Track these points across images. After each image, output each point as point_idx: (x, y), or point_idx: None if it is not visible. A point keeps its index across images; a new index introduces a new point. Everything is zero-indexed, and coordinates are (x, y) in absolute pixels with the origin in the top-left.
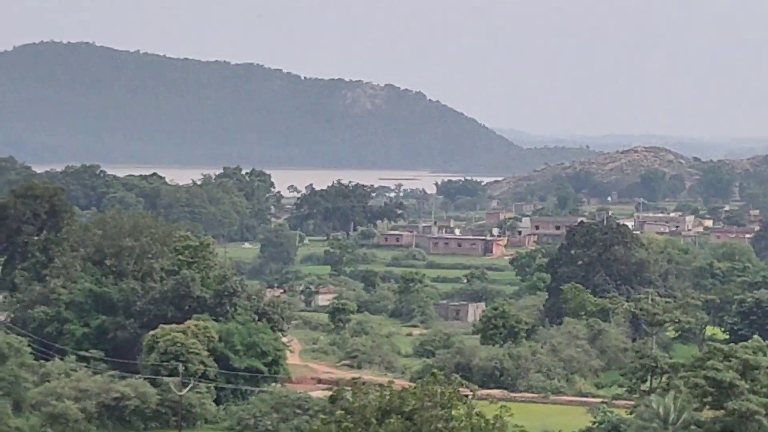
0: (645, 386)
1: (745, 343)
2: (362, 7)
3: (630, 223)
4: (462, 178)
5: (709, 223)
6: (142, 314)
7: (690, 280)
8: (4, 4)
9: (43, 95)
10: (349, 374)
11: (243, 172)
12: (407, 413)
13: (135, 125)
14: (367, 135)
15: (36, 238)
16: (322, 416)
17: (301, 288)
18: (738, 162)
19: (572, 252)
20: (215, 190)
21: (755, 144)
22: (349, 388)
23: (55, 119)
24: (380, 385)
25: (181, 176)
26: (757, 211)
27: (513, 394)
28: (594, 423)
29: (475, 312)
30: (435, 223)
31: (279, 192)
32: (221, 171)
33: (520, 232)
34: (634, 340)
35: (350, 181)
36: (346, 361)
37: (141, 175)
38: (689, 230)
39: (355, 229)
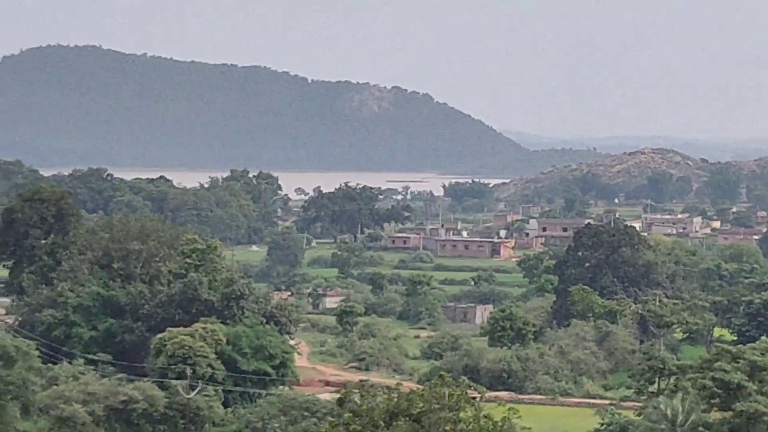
0: (653, 388)
1: (752, 344)
2: (369, 10)
3: (637, 225)
4: (469, 180)
5: (716, 224)
6: (149, 317)
7: (697, 281)
8: (12, 8)
9: (50, 99)
10: (356, 377)
11: (250, 175)
12: (415, 415)
13: (142, 128)
14: (375, 137)
15: (43, 241)
16: (330, 419)
17: (308, 291)
18: (745, 163)
19: (580, 254)
20: (222, 193)
21: (762, 145)
22: (357, 391)
23: (63, 123)
24: (388, 387)
25: (188, 179)
26: (764, 213)
27: (521, 396)
28: (602, 425)
29: (482, 314)
30: (442, 225)
31: (286, 195)
32: (228, 174)
33: (527, 234)
34: (641, 341)
35: (357, 184)
36: (354, 364)
37: (148, 179)
38: (697, 232)
39: (362, 232)
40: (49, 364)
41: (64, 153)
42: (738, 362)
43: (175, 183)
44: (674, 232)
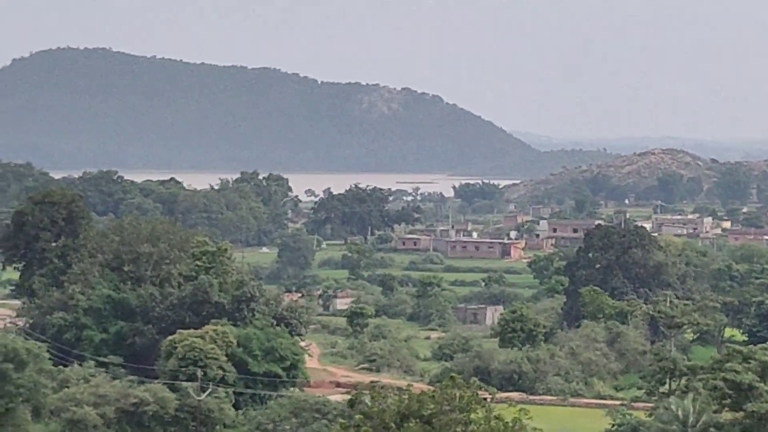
0: (664, 389)
1: (763, 344)
2: (379, 11)
3: (648, 226)
4: (479, 182)
5: (727, 224)
6: (160, 320)
7: (708, 282)
8: (21, 11)
9: (60, 101)
10: (367, 378)
11: (260, 177)
12: (426, 417)
13: (152, 130)
14: (384, 139)
15: (54, 244)
16: (341, 420)
17: (319, 292)
18: (755, 164)
19: (590, 255)
20: (232, 195)
21: None
22: (367, 392)
23: (72, 125)
24: (399, 388)
25: (198, 181)
26: None
27: (532, 397)
28: (613, 426)
29: (493, 315)
30: (452, 226)
31: (296, 196)
32: (238, 176)
33: (537, 235)
34: (652, 342)
35: (367, 185)
36: (365, 365)
37: (158, 181)
38: (707, 232)
39: (372, 233)
40: (60, 367)
41: (74, 155)
42: (749, 363)
43: (185, 185)
44: (685, 232)
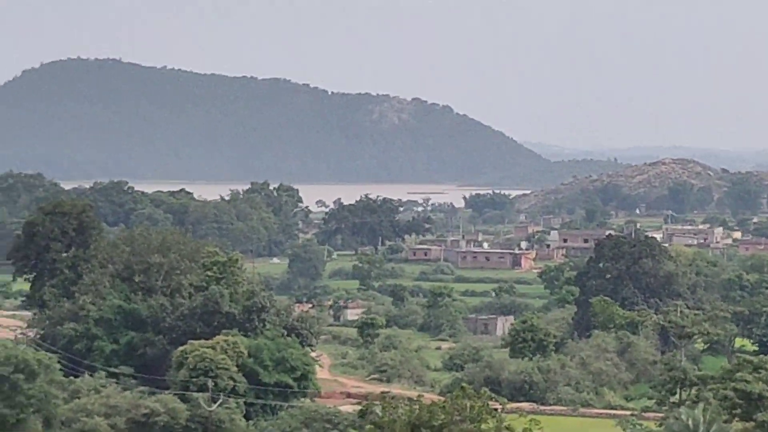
0: (674, 398)
1: None
2: (389, 22)
3: (658, 236)
4: (490, 192)
5: (737, 234)
6: (171, 330)
7: (719, 292)
8: (32, 22)
9: (70, 112)
10: (378, 388)
11: (271, 188)
12: (437, 427)
13: (163, 141)
14: (395, 149)
15: (64, 255)
16: (351, 430)
17: (329, 303)
18: (766, 173)
19: (601, 265)
20: (243, 205)
21: None
22: (378, 403)
23: (83, 136)
24: (409, 399)
25: (209, 192)
26: None
27: (542, 407)
28: None
29: (503, 325)
30: (463, 237)
31: (307, 207)
32: (249, 186)
33: (548, 246)
34: (663, 352)
35: (378, 196)
36: (376, 376)
37: (169, 191)
38: (718, 242)
39: (383, 244)
40: (71, 378)
41: (85, 166)
42: (759, 372)
43: (195, 196)
44: (695, 242)
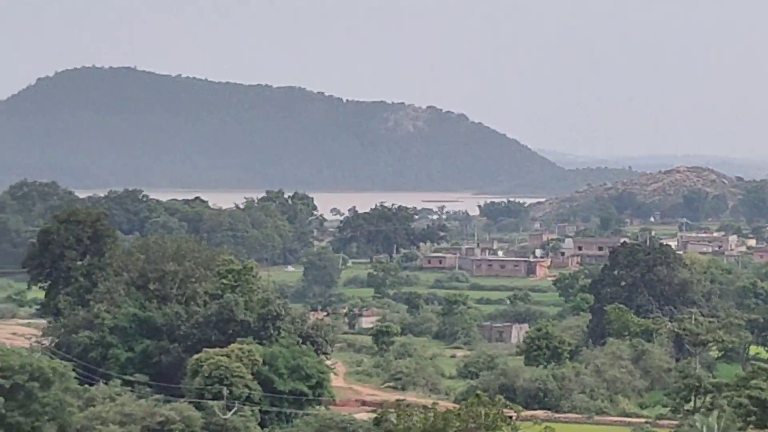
0: (689, 406)
1: None
2: (404, 30)
3: (673, 244)
4: (505, 200)
5: (752, 242)
6: (186, 338)
7: (733, 299)
8: (46, 30)
9: (85, 120)
10: (393, 396)
11: (286, 196)
12: None
13: (177, 149)
14: (410, 157)
15: (79, 263)
16: None
17: (344, 311)
18: None
19: (615, 273)
20: (258, 213)
21: None
22: (393, 411)
23: (98, 144)
24: (424, 407)
25: (223, 200)
26: None
27: (557, 415)
28: None
29: (518, 333)
30: (478, 244)
31: (322, 215)
32: (264, 194)
33: (563, 253)
34: (677, 360)
35: (393, 204)
36: (390, 383)
37: (184, 200)
38: (732, 250)
39: (398, 252)
40: (86, 386)
41: (100, 174)
42: None
43: (210, 204)
44: (710, 250)
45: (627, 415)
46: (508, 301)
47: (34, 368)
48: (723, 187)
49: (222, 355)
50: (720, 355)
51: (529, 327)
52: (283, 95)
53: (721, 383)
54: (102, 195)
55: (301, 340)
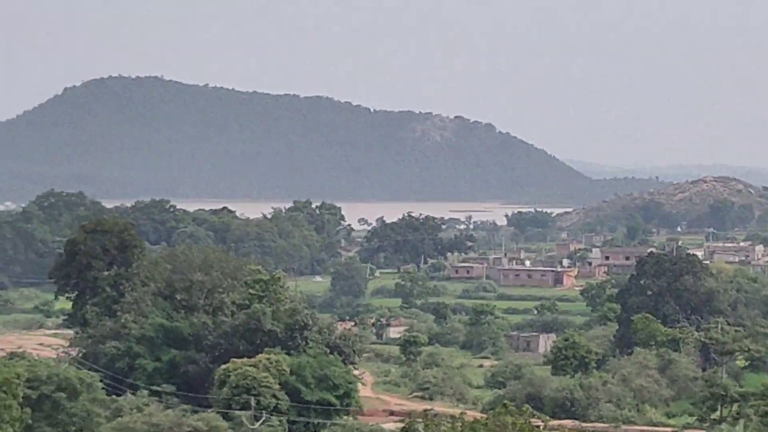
0: (715, 415)
1: None
2: (431, 40)
3: (699, 253)
4: (532, 210)
5: None
6: (213, 348)
7: (759, 308)
8: (73, 39)
9: (111, 130)
10: (420, 406)
11: (313, 206)
12: None
13: (204, 159)
14: (437, 167)
15: (106, 273)
16: None
17: (372, 321)
18: None
19: (642, 282)
20: (285, 223)
21: None
22: (421, 420)
23: (125, 154)
24: (452, 416)
25: (251, 210)
26: None
27: (584, 425)
28: None
29: (545, 343)
30: (505, 254)
31: (349, 225)
32: (291, 204)
33: (590, 263)
34: (704, 369)
35: (420, 214)
36: (418, 393)
37: (211, 210)
38: (759, 259)
39: (425, 262)
40: (113, 396)
41: (127, 185)
42: None
43: (238, 214)
44: (736, 260)
45: (654, 425)
46: (536, 311)
47: (62, 379)
48: (749, 196)
49: (249, 365)
50: (746, 364)
51: (557, 336)
52: (310, 105)
53: (747, 392)
54: (129, 205)
55: (328, 350)
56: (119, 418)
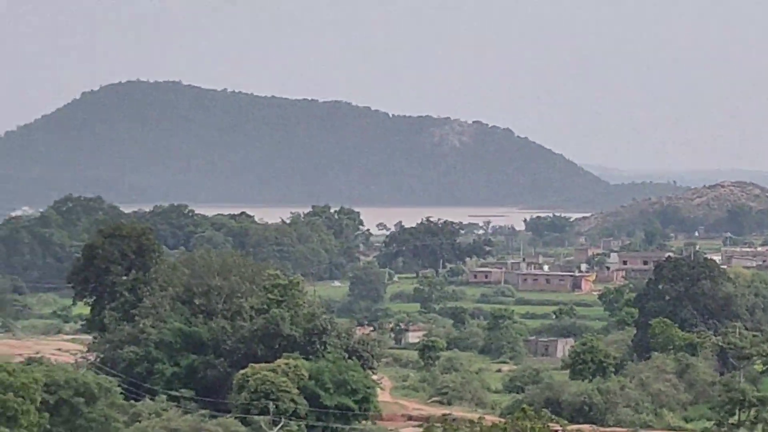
0: (733, 420)
1: None
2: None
3: (717, 258)
4: (550, 215)
5: None
6: (231, 353)
7: None
8: (91, 44)
9: (130, 135)
10: (439, 411)
11: (332, 210)
12: None
13: (223, 164)
14: (456, 172)
15: (124, 278)
16: None
17: (390, 325)
18: None
19: (660, 287)
20: (304, 228)
21: None
22: (439, 425)
23: (143, 159)
24: (470, 421)
25: (269, 215)
26: None
27: (602, 429)
28: None
29: (563, 347)
30: (524, 259)
31: (368, 230)
32: (310, 209)
33: (608, 268)
34: (722, 373)
35: (439, 219)
36: (437, 398)
37: (229, 214)
38: None
39: (444, 266)
40: (132, 401)
41: (145, 189)
42: None
43: (256, 219)
44: (754, 264)
45: (672, 429)
46: (554, 316)
47: (80, 384)
48: (767, 201)
49: (268, 370)
50: (764, 368)
51: (575, 341)
52: (328, 110)
53: (765, 397)
54: (147, 210)
55: (347, 355)
56: (137, 423)
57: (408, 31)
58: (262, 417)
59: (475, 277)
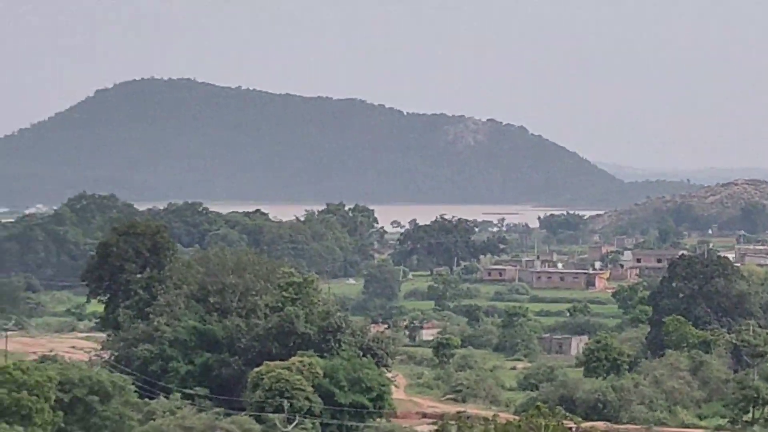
0: (747, 417)
1: None
2: (464, 43)
3: (730, 256)
4: (564, 212)
5: None
6: (246, 351)
7: None
8: (104, 42)
9: (144, 132)
10: (453, 408)
11: (346, 208)
12: None
13: (237, 162)
14: (470, 169)
15: (139, 276)
16: None
17: (405, 323)
18: None
19: (674, 284)
20: (318, 226)
21: None
22: (454, 423)
23: (157, 156)
24: (485, 418)
25: (284, 213)
26: None
27: (616, 426)
28: None
29: (578, 345)
30: (538, 257)
31: (382, 227)
32: (324, 207)
33: (622, 266)
34: (735, 371)
35: (453, 216)
36: (451, 396)
37: (244, 212)
38: None
39: (458, 264)
40: (146, 399)
41: (159, 187)
42: None
43: (270, 216)
44: (767, 262)
45: (686, 426)
46: (568, 313)
47: (94, 382)
48: None
49: (283, 368)
50: None
51: (589, 339)
52: (343, 107)
53: None
54: (161, 207)
55: (361, 353)
56: (152, 422)
57: (424, 30)
58: (276, 415)
59: (490, 274)
